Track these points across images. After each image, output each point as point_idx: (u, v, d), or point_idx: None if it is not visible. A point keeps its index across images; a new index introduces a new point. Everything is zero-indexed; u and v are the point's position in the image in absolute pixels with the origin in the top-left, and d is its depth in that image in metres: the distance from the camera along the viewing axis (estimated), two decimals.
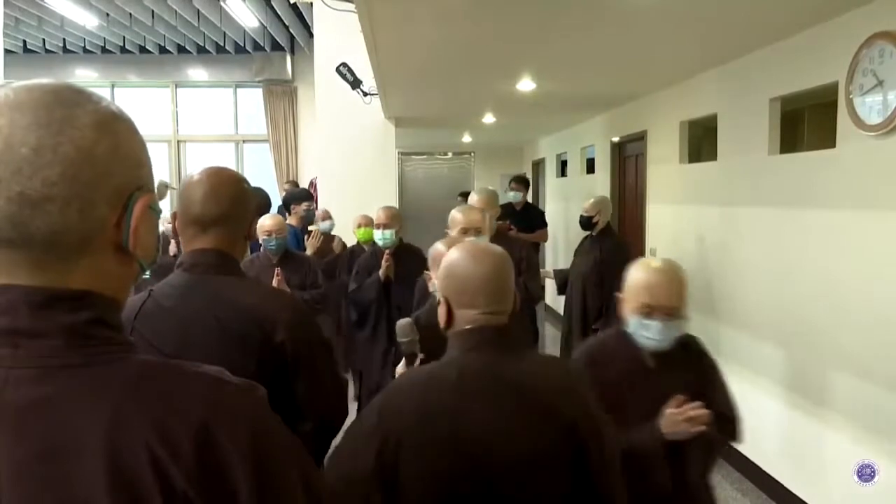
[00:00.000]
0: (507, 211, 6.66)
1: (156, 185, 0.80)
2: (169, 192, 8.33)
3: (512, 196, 6.57)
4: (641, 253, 5.72)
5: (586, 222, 4.70)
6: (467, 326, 1.35)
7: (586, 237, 4.85)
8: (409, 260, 3.81)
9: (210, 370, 0.74)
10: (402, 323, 1.84)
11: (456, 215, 3.06)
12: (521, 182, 6.67)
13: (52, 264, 0.69)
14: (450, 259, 1.42)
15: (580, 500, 1.31)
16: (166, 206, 7.66)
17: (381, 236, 3.98)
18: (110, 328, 0.72)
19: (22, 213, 0.66)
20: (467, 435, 1.26)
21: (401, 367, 1.82)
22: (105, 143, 0.70)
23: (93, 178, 0.69)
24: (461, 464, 1.25)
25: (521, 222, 6.10)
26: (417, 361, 1.75)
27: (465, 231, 2.93)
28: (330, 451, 1.46)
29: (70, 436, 0.66)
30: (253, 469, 0.69)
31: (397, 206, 4.82)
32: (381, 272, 3.85)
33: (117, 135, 0.72)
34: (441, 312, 1.41)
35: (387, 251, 3.90)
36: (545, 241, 6.98)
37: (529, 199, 7.40)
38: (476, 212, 3.11)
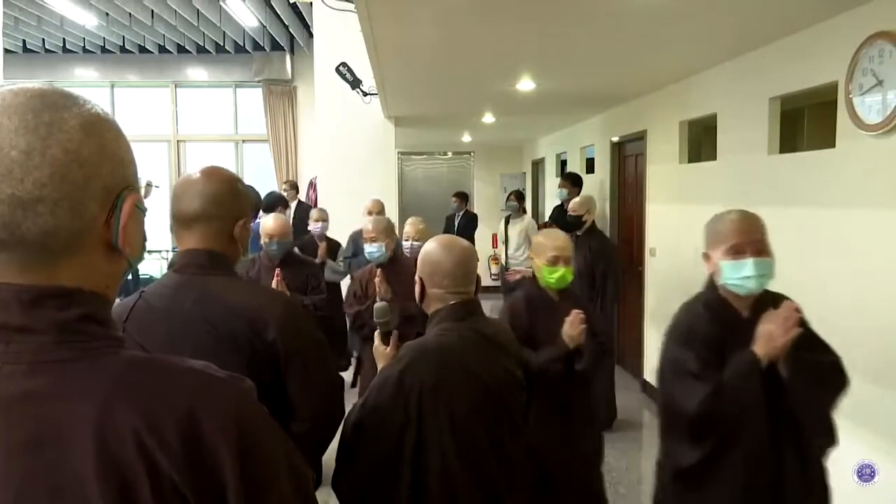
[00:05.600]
0: (555, 209, 6.64)
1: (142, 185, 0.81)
2: (153, 190, 8.33)
3: (557, 194, 6.45)
4: (641, 253, 5.73)
5: (575, 221, 4.67)
6: (451, 302, 1.76)
7: (571, 237, 4.83)
8: (405, 272, 3.27)
9: (196, 364, 0.76)
10: (379, 306, 2.03)
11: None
12: (567, 179, 6.43)
13: (43, 263, 0.71)
14: (426, 249, 1.82)
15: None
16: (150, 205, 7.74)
17: (371, 251, 3.60)
18: (100, 324, 0.74)
19: (14, 214, 0.68)
20: (475, 378, 1.69)
21: (377, 343, 1.95)
22: (92, 144, 0.72)
23: (81, 178, 0.71)
24: (474, 400, 1.67)
25: (567, 221, 5.95)
26: (393, 337, 1.95)
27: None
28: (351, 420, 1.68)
29: (59, 425, 0.68)
30: (239, 458, 0.71)
31: (397, 209, 4.45)
32: (378, 297, 3.32)
33: (103, 136, 0.74)
34: (417, 290, 1.83)
35: (378, 270, 3.48)
36: None
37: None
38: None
